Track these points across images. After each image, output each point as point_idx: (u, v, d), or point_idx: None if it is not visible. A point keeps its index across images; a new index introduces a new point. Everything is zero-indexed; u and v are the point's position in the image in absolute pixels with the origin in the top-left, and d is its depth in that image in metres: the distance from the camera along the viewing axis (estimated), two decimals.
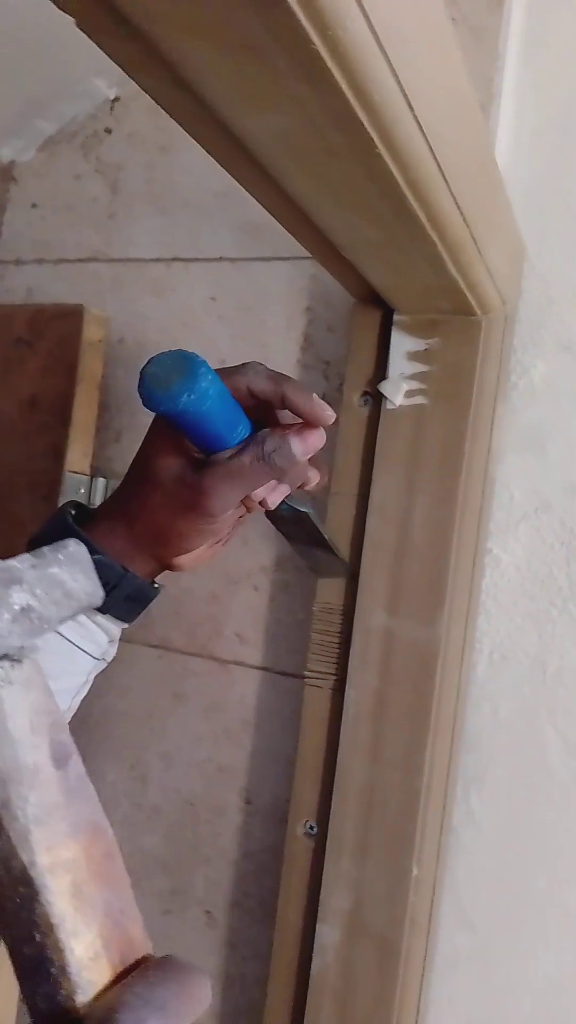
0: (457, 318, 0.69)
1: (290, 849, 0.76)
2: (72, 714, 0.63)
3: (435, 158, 0.45)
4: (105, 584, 0.55)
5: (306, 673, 0.77)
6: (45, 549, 0.36)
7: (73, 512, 0.59)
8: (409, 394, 0.71)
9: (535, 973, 0.73)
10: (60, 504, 0.90)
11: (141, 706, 0.90)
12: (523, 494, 0.76)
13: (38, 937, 0.32)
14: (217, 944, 0.85)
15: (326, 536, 0.65)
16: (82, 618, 0.57)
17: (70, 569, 0.37)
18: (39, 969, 0.32)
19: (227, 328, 0.90)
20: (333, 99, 0.38)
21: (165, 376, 0.49)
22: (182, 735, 0.88)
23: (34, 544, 0.58)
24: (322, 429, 0.54)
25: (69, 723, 0.62)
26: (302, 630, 0.83)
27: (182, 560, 0.58)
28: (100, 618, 0.57)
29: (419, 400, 0.71)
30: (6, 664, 0.34)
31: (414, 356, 0.71)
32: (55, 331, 0.91)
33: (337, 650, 0.75)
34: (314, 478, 0.59)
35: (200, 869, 0.86)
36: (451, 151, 0.46)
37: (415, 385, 0.71)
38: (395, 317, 0.72)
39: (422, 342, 0.71)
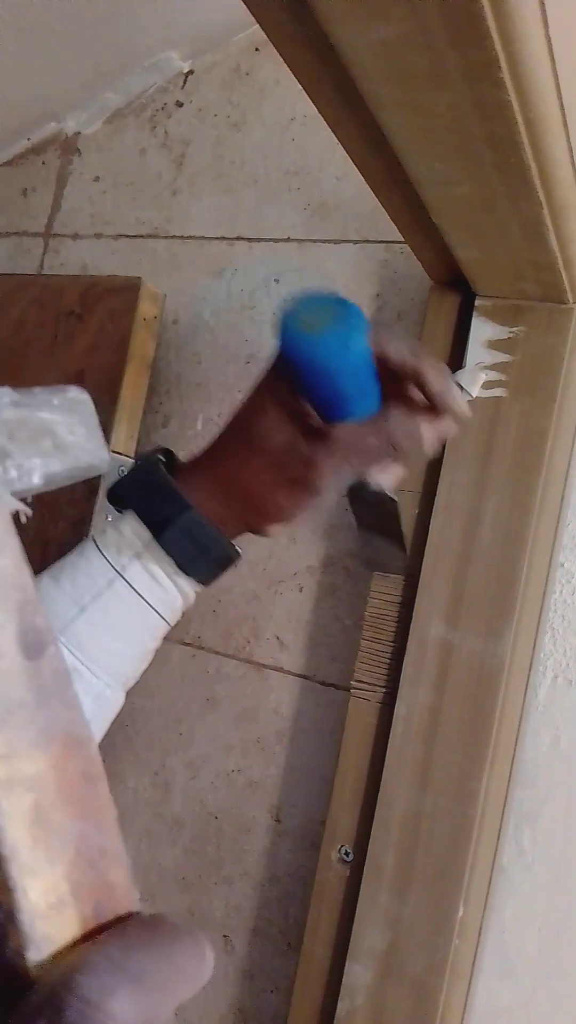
0: (546, 305, 0.63)
1: (321, 876, 0.70)
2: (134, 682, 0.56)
3: (560, 99, 0.39)
4: (199, 548, 0.51)
5: (352, 684, 0.70)
6: (37, 389, 0.29)
7: (163, 459, 0.54)
8: (487, 385, 0.65)
9: None
10: (103, 489, 0.85)
11: (169, 708, 0.84)
12: None
13: None
14: (233, 973, 0.78)
15: (403, 530, 0.59)
16: (160, 577, 0.52)
17: (66, 418, 0.29)
18: None
19: None
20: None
21: (315, 319, 0.44)
22: (211, 743, 0.82)
23: (115, 494, 0.53)
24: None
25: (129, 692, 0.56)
26: (348, 638, 0.76)
27: (274, 528, 0.53)
28: (181, 580, 0.52)
29: (497, 392, 0.65)
30: None
31: (495, 344, 0.65)
32: (108, 305, 0.86)
33: (388, 661, 0.69)
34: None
35: (221, 889, 0.80)
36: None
37: (494, 376, 0.65)
38: (477, 302, 0.66)
39: (505, 330, 0.65)
